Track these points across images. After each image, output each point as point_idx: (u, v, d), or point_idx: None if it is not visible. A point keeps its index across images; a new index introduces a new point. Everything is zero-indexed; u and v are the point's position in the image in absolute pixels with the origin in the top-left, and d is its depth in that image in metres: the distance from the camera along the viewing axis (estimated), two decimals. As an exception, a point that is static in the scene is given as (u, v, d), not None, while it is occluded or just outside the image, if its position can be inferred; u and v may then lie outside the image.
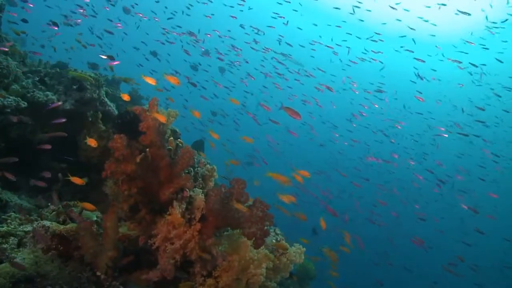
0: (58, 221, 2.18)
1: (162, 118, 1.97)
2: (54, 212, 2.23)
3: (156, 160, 1.99)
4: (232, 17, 9.99)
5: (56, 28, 5.16)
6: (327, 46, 10.08)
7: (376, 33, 10.84)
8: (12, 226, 1.95)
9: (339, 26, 12.22)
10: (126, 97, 2.14)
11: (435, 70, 12.41)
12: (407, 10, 12.95)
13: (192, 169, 2.41)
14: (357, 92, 9.65)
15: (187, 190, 2.00)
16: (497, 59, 10.00)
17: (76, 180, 2.60)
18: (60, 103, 3.14)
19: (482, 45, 11.27)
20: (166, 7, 11.88)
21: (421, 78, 9.05)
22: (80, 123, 3.32)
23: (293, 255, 2.44)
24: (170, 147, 2.25)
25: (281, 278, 2.40)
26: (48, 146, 2.88)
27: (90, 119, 3.29)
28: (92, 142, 2.46)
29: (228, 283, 1.96)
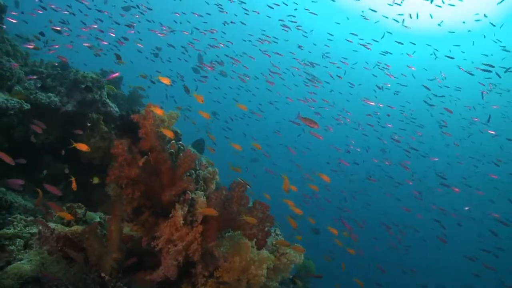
0: (63, 222, 2.22)
1: (168, 133, 2.01)
2: (58, 214, 2.27)
3: (158, 164, 2.03)
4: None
5: (59, 30, 5.19)
6: (361, 45, 10.09)
7: (398, 42, 10.88)
8: (19, 228, 2.00)
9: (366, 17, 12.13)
10: (169, 134, 2.17)
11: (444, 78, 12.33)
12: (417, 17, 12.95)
13: (193, 171, 2.45)
14: (373, 104, 9.69)
15: (189, 192, 2.04)
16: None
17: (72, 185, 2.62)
18: (117, 73, 3.20)
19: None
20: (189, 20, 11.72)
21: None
22: (82, 124, 3.35)
23: (293, 256, 2.49)
24: (172, 150, 2.29)
25: (282, 278, 2.46)
26: (62, 152, 2.93)
27: (92, 120, 3.33)
28: (83, 147, 2.47)
29: (229, 283, 2.01)
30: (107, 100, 3.50)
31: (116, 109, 3.54)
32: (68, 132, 3.36)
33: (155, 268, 2.04)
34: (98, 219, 2.47)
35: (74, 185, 2.61)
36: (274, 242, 2.59)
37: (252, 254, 2.14)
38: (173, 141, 2.41)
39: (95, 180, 2.73)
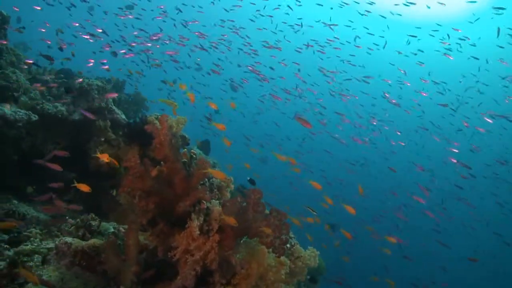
0: (78, 235, 2.22)
1: (220, 175, 2.01)
2: (73, 227, 2.27)
3: (172, 174, 2.02)
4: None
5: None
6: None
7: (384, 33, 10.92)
8: (36, 244, 2.00)
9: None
10: (213, 105, 2.17)
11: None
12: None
13: (207, 180, 2.44)
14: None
15: (204, 202, 2.04)
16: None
17: (84, 187, 2.61)
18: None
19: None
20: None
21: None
22: (89, 132, 3.34)
23: (307, 259, 2.49)
24: (184, 160, 2.28)
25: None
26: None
27: (100, 128, 3.31)
28: (104, 157, 2.45)
29: (248, 291, 2.01)
30: (113, 107, 3.48)
31: (123, 115, 3.53)
32: (75, 141, 3.35)
33: (172, 279, 2.04)
34: (112, 229, 2.47)
35: (84, 188, 2.60)
36: (288, 246, 2.59)
37: (269, 260, 2.14)
38: (185, 150, 2.39)
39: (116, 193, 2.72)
